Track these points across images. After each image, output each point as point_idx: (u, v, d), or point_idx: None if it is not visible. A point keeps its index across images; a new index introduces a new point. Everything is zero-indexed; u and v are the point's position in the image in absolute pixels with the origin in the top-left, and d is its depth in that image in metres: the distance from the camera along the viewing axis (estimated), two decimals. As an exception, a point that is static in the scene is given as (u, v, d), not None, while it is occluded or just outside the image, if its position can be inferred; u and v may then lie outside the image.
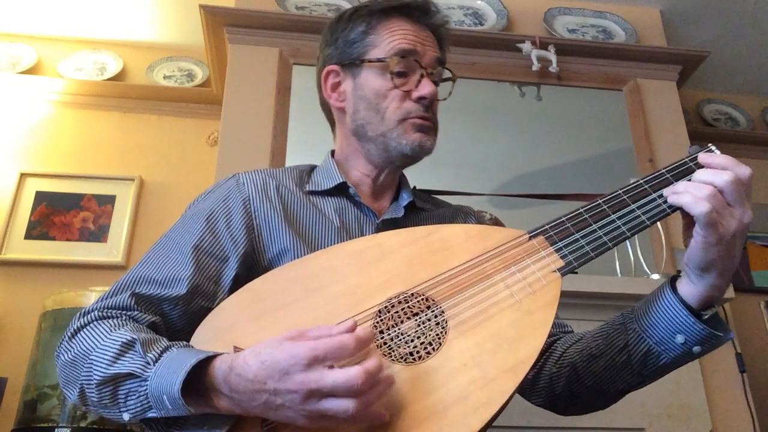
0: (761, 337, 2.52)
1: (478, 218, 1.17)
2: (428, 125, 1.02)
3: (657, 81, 2.55)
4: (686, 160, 0.89)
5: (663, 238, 2.14)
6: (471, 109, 2.39)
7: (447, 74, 1.09)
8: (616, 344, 0.92)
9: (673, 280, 0.89)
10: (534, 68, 2.41)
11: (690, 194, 0.80)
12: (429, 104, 1.01)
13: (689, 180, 0.85)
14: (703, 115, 3.06)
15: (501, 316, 0.78)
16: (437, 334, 0.77)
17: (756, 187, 0.83)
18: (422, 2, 1.06)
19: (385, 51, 1.01)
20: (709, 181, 0.81)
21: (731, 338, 0.86)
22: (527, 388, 1.04)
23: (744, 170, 0.82)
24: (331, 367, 0.66)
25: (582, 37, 2.63)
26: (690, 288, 0.85)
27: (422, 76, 1.01)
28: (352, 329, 0.69)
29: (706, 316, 0.85)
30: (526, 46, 2.42)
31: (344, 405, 0.65)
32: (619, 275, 2.12)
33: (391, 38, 1.02)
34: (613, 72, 2.54)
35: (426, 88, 1.00)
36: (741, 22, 2.76)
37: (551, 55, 2.43)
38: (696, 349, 0.85)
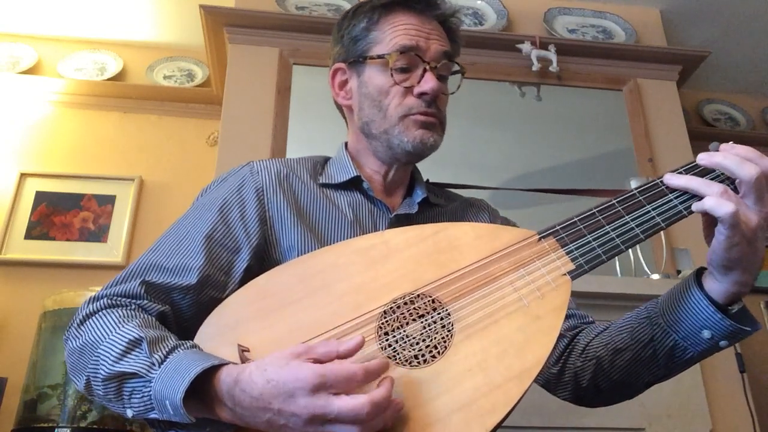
0: (761, 337, 2.52)
1: (491, 213, 1.14)
2: (431, 121, 0.99)
3: (657, 81, 2.55)
4: None
5: (663, 237, 2.14)
6: (471, 109, 2.39)
7: (456, 67, 1.05)
8: (641, 338, 0.90)
9: (698, 274, 0.87)
10: (534, 68, 2.41)
11: (712, 197, 0.78)
12: (432, 100, 0.98)
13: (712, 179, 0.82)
14: (703, 115, 3.06)
15: (508, 320, 0.77)
16: (443, 337, 0.76)
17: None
18: None
19: (387, 47, 0.99)
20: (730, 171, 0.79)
21: (759, 329, 0.84)
22: (553, 383, 1.03)
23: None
24: (337, 393, 0.65)
25: (582, 37, 2.63)
26: (715, 285, 0.83)
27: (425, 71, 0.98)
28: (359, 345, 0.69)
29: (733, 311, 0.83)
30: (525, 47, 2.42)
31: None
32: (619, 275, 2.12)
33: (393, 33, 1.00)
34: (613, 72, 2.54)
35: (428, 83, 0.97)
36: (741, 22, 2.76)
37: (551, 55, 2.43)
38: (723, 343, 0.84)
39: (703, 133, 2.84)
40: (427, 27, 1.01)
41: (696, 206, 0.81)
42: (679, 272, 2.13)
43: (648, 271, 2.11)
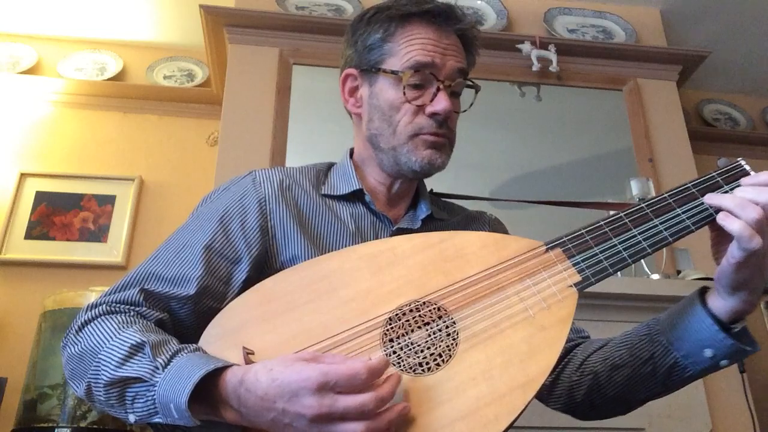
0: (761, 337, 2.53)
1: (492, 227, 1.13)
2: (441, 142, 0.97)
3: (657, 81, 2.56)
4: (713, 174, 0.85)
5: (663, 238, 2.13)
6: (471, 109, 2.39)
7: (470, 83, 1.03)
8: (640, 355, 0.90)
9: (702, 292, 0.86)
10: (534, 68, 2.41)
11: (742, 223, 0.76)
12: (443, 120, 0.96)
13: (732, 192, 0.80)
14: (703, 115, 3.06)
15: (513, 330, 0.76)
16: (447, 346, 0.75)
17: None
18: (446, 7, 0.99)
19: (401, 62, 0.96)
20: (763, 203, 0.76)
21: (758, 350, 0.83)
22: (545, 393, 1.02)
23: None
24: (341, 392, 0.66)
25: (582, 37, 2.63)
26: (720, 303, 0.83)
27: (438, 89, 0.96)
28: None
29: (736, 330, 0.83)
30: (525, 47, 2.42)
31: (352, 429, 0.65)
32: (619, 275, 2.12)
33: (408, 48, 0.96)
34: (613, 72, 2.54)
35: (440, 104, 0.95)
36: (741, 22, 2.77)
37: (551, 55, 2.43)
38: (723, 362, 0.83)
39: (703, 133, 2.85)
40: (444, 42, 0.98)
41: (722, 222, 0.78)
42: (679, 272, 2.13)
43: (648, 271, 2.11)
